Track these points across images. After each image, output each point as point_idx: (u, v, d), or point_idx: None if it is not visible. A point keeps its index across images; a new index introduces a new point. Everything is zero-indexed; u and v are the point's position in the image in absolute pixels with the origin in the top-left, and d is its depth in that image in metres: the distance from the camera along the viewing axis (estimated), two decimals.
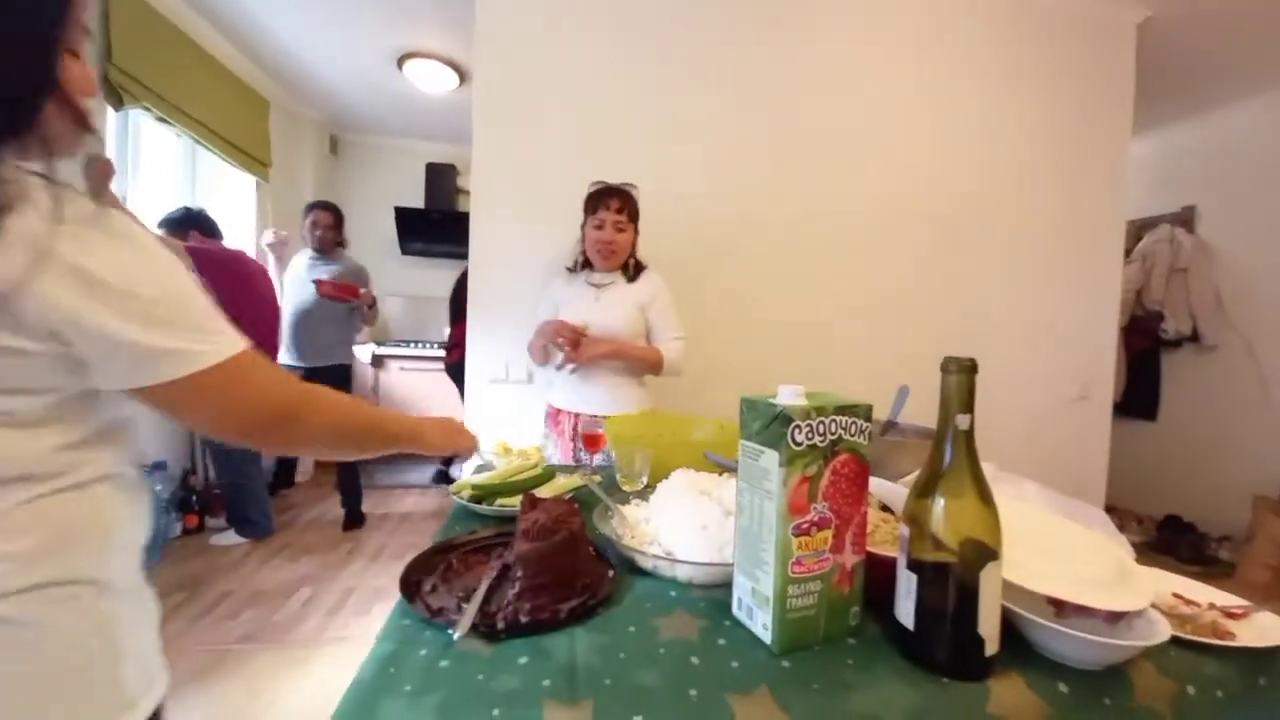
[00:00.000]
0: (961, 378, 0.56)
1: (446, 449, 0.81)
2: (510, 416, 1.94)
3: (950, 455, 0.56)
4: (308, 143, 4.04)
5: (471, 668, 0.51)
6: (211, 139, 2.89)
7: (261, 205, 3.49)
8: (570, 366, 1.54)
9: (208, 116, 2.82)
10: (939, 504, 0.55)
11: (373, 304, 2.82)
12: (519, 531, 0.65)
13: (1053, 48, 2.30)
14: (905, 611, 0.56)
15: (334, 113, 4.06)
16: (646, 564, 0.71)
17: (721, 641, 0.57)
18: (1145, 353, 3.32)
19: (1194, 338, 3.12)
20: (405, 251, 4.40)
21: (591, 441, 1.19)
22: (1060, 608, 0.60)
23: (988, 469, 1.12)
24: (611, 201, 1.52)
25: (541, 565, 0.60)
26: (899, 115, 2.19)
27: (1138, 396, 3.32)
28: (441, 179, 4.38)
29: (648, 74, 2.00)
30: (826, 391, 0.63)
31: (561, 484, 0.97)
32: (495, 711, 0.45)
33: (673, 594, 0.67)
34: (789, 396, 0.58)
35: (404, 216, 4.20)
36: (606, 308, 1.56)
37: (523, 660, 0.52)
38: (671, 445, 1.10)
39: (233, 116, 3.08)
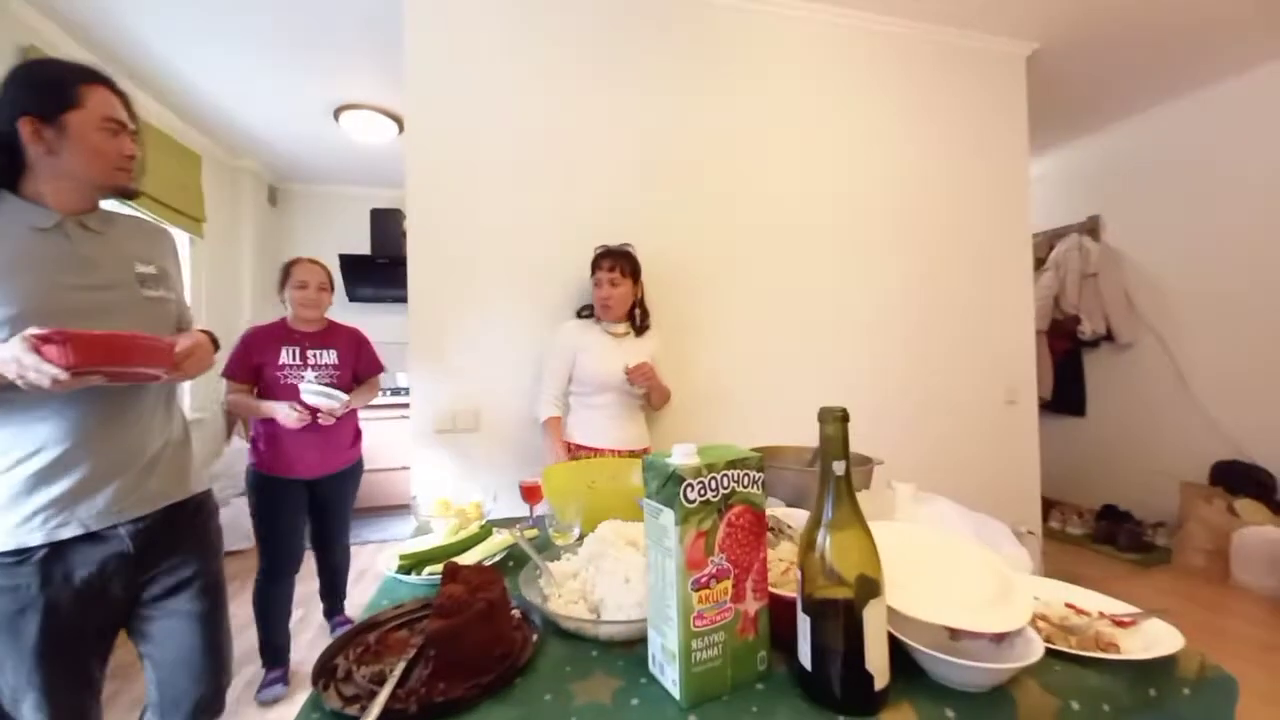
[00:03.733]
0: (836, 426, 0.60)
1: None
2: (455, 469, 1.92)
3: (831, 500, 0.59)
4: (245, 194, 3.96)
5: None
6: (139, 198, 2.81)
7: (196, 261, 3.39)
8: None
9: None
10: (824, 546, 0.58)
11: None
12: (434, 607, 0.65)
13: (951, 80, 2.49)
14: (804, 652, 0.59)
15: (271, 163, 4.01)
16: (568, 626, 0.72)
17: (635, 701, 0.59)
18: (1068, 354, 3.54)
19: (1109, 337, 3.36)
20: (353, 299, 4.33)
21: (530, 493, 1.20)
22: (954, 632, 0.64)
23: (907, 490, 1.18)
24: (605, 262, 1.78)
25: (454, 643, 0.60)
26: (818, 151, 2.32)
27: (1066, 395, 3.53)
28: (387, 224, 4.34)
29: (576, 113, 2.07)
30: (724, 445, 0.67)
31: (495, 543, 0.97)
32: None
33: (594, 654, 0.68)
34: (681, 456, 0.61)
35: (349, 263, 4.14)
36: (628, 356, 1.78)
37: None
38: (609, 494, 1.12)
39: (160, 173, 3.00)
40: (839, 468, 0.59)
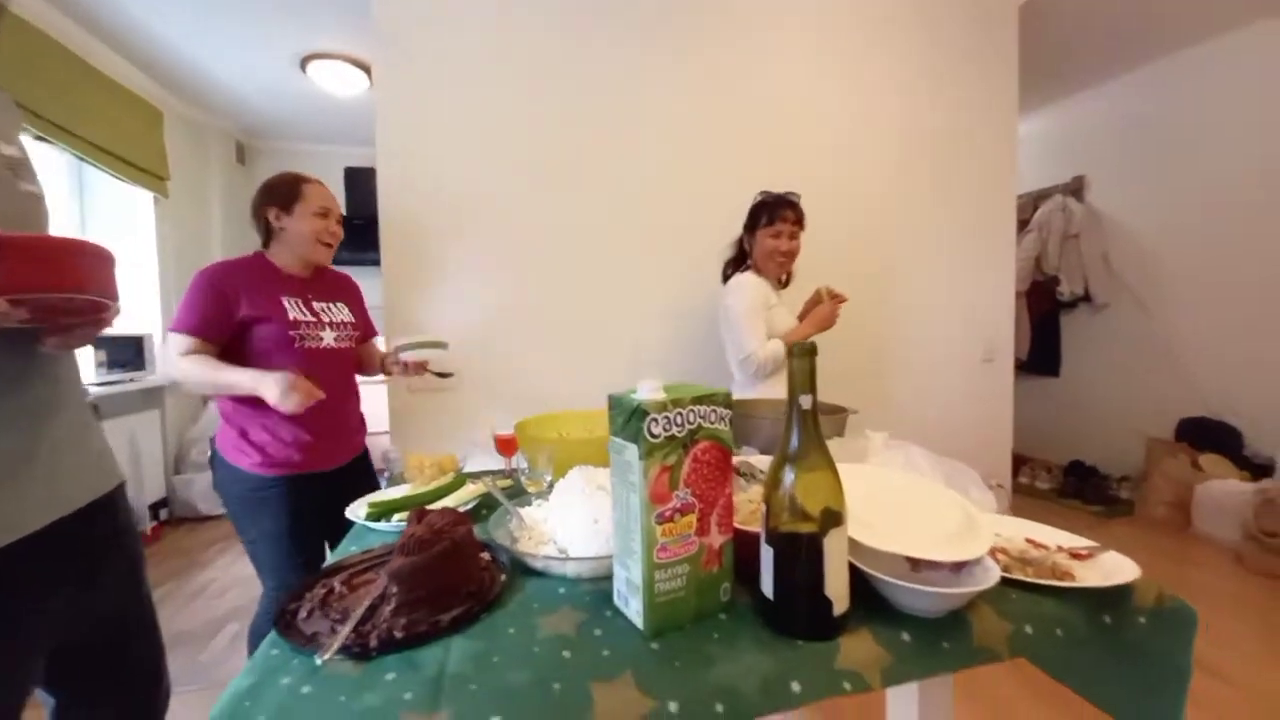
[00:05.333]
0: (803, 360, 0.59)
1: None
2: (432, 427, 1.90)
3: (798, 433, 0.59)
4: (212, 152, 3.80)
5: (336, 690, 0.50)
6: (97, 155, 2.68)
7: (161, 220, 3.27)
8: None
9: (91, 132, 2.61)
10: (788, 479, 0.58)
11: None
12: (397, 546, 0.64)
13: (940, 32, 2.42)
14: (766, 583, 0.60)
15: (238, 119, 3.84)
16: (536, 564, 0.72)
17: (598, 632, 0.59)
18: (1047, 315, 3.58)
19: (1087, 298, 3.39)
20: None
21: (505, 445, 1.20)
22: (915, 563, 0.65)
23: (879, 438, 1.19)
24: (789, 213, 1.60)
25: (416, 579, 0.60)
26: (800, 101, 2.26)
27: (1042, 355, 3.59)
28: (362, 184, 4.21)
29: (550, 63, 1.99)
30: (690, 384, 0.66)
31: (467, 491, 0.97)
32: None
33: (561, 591, 0.68)
34: (646, 391, 0.60)
35: None
36: (791, 312, 1.71)
37: (390, 676, 0.52)
38: (581, 443, 1.11)
39: (121, 129, 2.86)
40: (805, 401, 0.58)
